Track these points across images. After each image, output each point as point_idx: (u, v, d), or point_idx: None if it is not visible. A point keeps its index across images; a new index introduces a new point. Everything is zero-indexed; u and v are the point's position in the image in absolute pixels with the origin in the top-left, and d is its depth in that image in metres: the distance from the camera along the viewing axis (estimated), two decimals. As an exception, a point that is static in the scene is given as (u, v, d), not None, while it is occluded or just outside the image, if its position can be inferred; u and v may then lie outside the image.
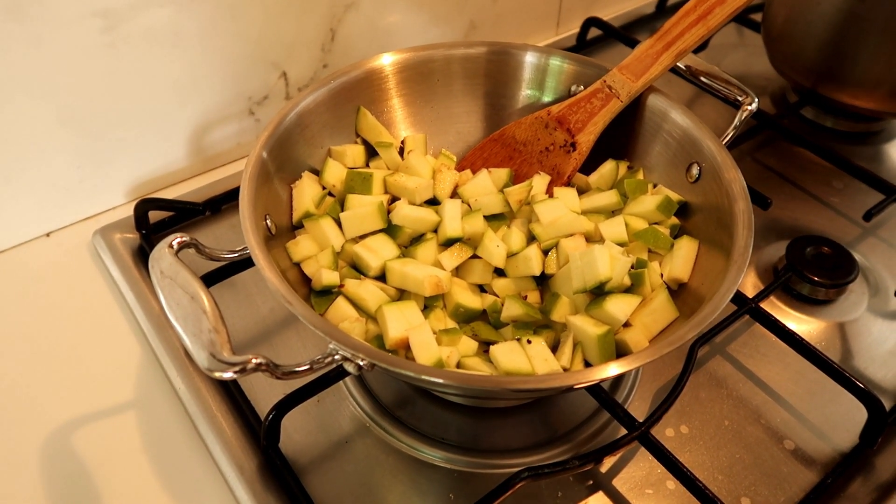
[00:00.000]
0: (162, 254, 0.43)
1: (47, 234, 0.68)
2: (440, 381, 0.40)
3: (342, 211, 0.56)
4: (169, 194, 0.72)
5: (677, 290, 0.53)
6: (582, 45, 0.93)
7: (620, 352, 0.49)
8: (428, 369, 0.41)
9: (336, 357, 0.41)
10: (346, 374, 0.54)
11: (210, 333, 0.39)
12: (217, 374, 0.38)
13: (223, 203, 0.69)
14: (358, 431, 0.54)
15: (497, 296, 0.54)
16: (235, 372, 0.38)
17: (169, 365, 0.57)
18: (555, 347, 0.50)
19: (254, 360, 0.38)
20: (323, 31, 0.74)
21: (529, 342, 0.48)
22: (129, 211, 0.67)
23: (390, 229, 0.55)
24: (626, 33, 0.91)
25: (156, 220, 0.67)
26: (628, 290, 0.51)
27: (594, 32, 0.93)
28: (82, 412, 0.55)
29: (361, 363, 0.41)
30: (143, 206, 0.65)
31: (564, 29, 0.98)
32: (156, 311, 0.60)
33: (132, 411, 0.55)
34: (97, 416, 0.55)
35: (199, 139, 0.73)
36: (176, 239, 0.45)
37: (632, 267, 0.52)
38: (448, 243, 0.55)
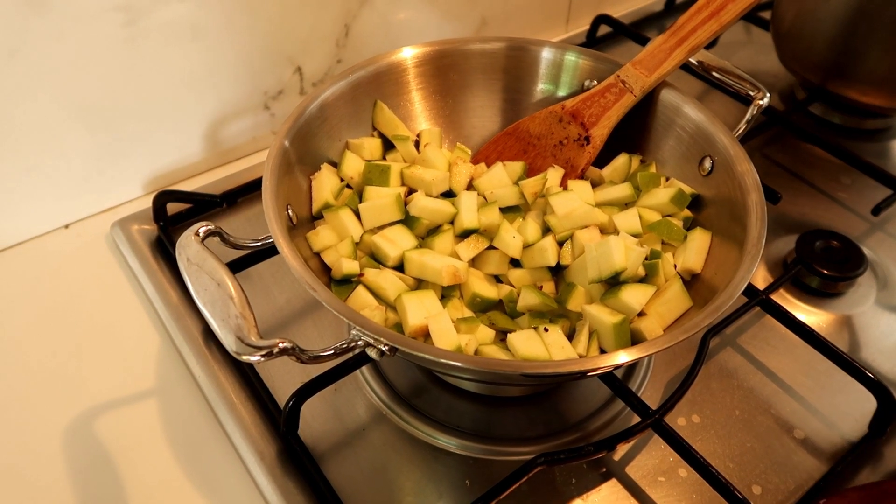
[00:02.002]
0: (189, 241, 0.44)
1: (66, 226, 0.69)
2: (460, 364, 0.41)
3: (360, 202, 0.57)
4: (185, 187, 0.73)
5: (690, 281, 0.54)
6: (592, 42, 0.94)
7: (635, 340, 0.50)
8: (449, 353, 0.42)
9: (359, 343, 0.42)
10: (364, 362, 0.55)
11: (237, 318, 0.40)
12: (245, 358, 0.39)
13: (239, 196, 0.70)
14: (374, 419, 0.55)
15: (513, 286, 0.55)
16: (263, 355, 0.39)
17: (188, 353, 0.58)
18: (570, 336, 0.51)
19: (280, 345, 0.39)
20: (338, 26, 0.75)
21: (546, 330, 0.48)
22: (146, 203, 0.68)
23: (408, 220, 0.56)
24: (636, 30, 0.92)
25: (173, 213, 0.68)
26: (643, 281, 0.52)
27: (604, 29, 0.94)
28: (103, 400, 0.56)
29: (384, 348, 0.42)
30: (162, 198, 0.66)
31: (574, 26, 0.99)
32: (174, 300, 0.61)
33: (152, 399, 0.56)
34: (118, 404, 0.56)
35: (215, 133, 0.74)
36: (202, 227, 0.45)
37: (646, 258, 0.52)
38: (464, 234, 0.55)
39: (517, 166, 0.61)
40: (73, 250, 0.67)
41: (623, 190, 0.58)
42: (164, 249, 0.66)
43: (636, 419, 0.53)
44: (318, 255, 0.54)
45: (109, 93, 0.64)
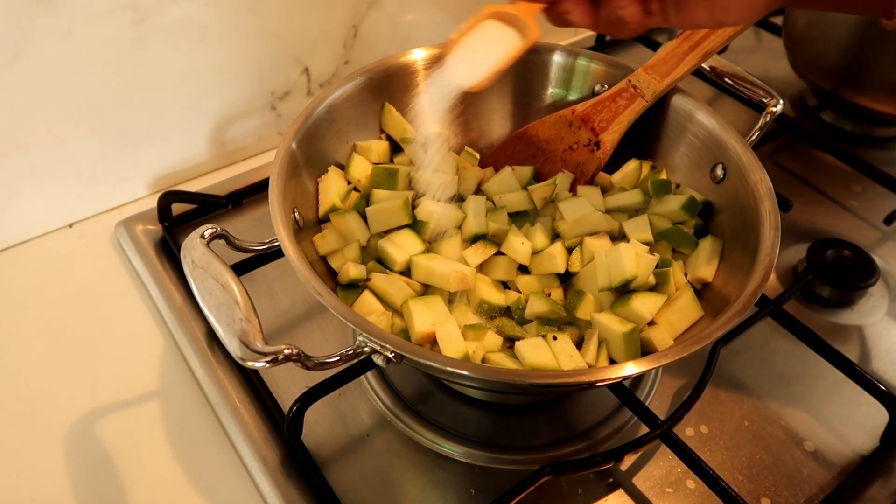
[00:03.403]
0: (194, 244, 0.44)
1: (70, 225, 0.69)
2: (468, 373, 0.41)
3: (367, 206, 0.56)
4: (190, 187, 0.73)
5: (701, 290, 0.53)
6: (601, 46, 0.93)
7: (645, 350, 0.49)
8: (457, 362, 0.41)
9: (365, 349, 0.42)
10: (369, 368, 0.54)
11: (242, 323, 0.40)
12: (249, 364, 0.38)
13: (244, 197, 0.70)
14: (379, 425, 0.54)
15: (520, 292, 0.54)
16: (268, 362, 0.38)
17: (191, 356, 0.57)
18: (579, 345, 0.50)
19: (286, 351, 0.39)
20: (346, 27, 0.75)
21: (555, 338, 0.48)
22: (150, 203, 0.68)
23: (415, 225, 0.55)
24: (645, 35, 0.91)
25: (177, 213, 0.67)
26: (653, 289, 0.51)
27: (613, 33, 0.93)
28: (105, 402, 0.55)
29: (390, 355, 0.41)
30: (167, 199, 0.65)
31: (583, 29, 0.98)
32: (178, 302, 0.61)
33: (155, 401, 0.56)
34: (120, 405, 0.56)
35: (222, 133, 0.73)
36: (207, 230, 0.45)
37: (656, 266, 0.52)
38: (472, 240, 0.55)
39: (526, 171, 0.60)
40: (76, 249, 0.67)
41: (633, 196, 0.58)
42: (168, 250, 0.65)
43: (644, 429, 0.53)
44: (324, 258, 0.54)
45: (115, 91, 0.64)
